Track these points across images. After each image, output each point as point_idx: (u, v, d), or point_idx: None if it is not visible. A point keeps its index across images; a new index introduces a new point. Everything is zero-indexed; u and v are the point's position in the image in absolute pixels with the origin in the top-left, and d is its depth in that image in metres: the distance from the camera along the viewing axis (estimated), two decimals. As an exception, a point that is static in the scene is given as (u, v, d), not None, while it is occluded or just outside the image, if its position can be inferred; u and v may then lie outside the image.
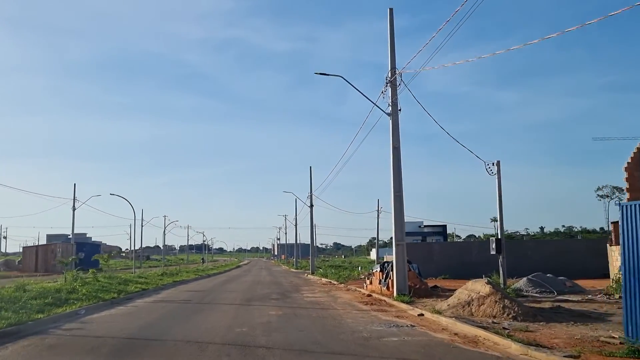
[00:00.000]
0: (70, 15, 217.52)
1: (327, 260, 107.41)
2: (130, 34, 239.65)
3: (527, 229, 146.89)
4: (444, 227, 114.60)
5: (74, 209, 54.93)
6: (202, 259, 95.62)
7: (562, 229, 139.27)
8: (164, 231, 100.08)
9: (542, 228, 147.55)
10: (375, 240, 78.23)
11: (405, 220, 19.97)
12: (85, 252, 58.76)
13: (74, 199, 55.02)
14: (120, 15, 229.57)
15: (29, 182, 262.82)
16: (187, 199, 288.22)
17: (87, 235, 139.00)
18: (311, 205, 50.85)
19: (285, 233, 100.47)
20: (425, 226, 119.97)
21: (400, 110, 19.81)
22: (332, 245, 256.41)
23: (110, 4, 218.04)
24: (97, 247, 65.32)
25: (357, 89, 19.30)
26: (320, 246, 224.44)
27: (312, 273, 48.31)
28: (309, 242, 61.54)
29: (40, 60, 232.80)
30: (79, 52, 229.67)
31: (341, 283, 30.60)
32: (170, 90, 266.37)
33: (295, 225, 70.17)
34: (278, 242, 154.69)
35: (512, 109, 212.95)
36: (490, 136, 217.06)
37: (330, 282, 33.07)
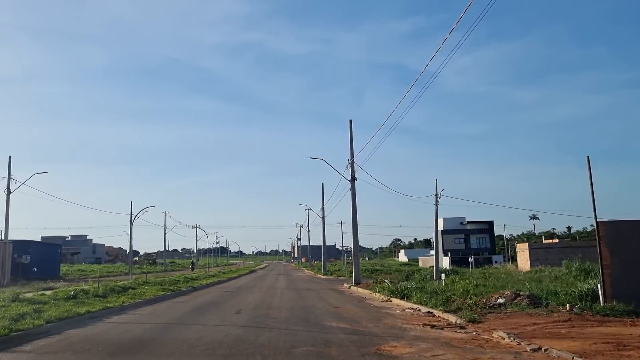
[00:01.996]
0: (91, 23, 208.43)
1: (339, 265, 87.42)
2: (150, 39, 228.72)
3: (553, 228, 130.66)
4: (490, 223, 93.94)
5: (8, 193, 36.58)
6: (192, 263, 73.37)
7: (589, 229, 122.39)
8: (164, 230, 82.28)
9: (569, 228, 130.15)
10: (432, 238, 58.95)
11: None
12: (33, 254, 40.49)
13: (9, 177, 36.62)
14: (139, 21, 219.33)
15: (49, 187, 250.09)
16: (206, 202, 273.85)
17: (89, 237, 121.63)
18: (353, 179, 31.58)
19: (308, 230, 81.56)
20: (468, 222, 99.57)
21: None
22: (351, 247, 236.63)
23: (130, 11, 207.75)
24: (53, 248, 46.61)
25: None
26: (339, 248, 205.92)
27: (357, 284, 29.06)
28: (332, 244, 43.81)
29: (62, 68, 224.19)
30: (100, 59, 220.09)
31: (470, 321, 11.43)
32: (189, 95, 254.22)
33: (323, 215, 51.22)
34: (299, 244, 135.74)
35: (531, 108, 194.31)
36: (508, 136, 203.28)
37: (431, 313, 13.78)
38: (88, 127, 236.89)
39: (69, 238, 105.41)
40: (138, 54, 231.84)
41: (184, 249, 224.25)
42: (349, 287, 28.47)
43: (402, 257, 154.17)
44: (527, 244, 68.21)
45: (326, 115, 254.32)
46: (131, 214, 49.41)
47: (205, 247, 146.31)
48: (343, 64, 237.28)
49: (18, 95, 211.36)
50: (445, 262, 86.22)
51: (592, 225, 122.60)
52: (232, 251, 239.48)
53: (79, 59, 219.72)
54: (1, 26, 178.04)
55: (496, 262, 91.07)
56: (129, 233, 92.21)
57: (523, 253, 67.75)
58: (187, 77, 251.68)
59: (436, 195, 46.11)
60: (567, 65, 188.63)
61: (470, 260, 42.16)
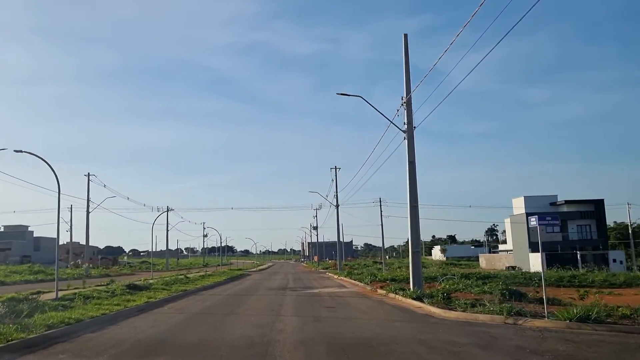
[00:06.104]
0: (102, 25, 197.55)
1: (379, 265, 54.44)
2: (160, 41, 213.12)
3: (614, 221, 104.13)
4: (599, 203, 59.84)
5: None
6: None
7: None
8: (87, 211, 48.39)
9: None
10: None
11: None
12: None
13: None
14: (149, 23, 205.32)
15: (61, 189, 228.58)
16: (214, 202, 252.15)
17: (30, 229, 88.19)
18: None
19: (337, 203, 48.14)
20: (564, 202, 64.09)
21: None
22: (362, 246, 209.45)
23: (140, 13, 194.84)
24: None
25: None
26: (356, 247, 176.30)
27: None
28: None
29: (73, 69, 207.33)
30: (110, 60, 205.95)
31: None
32: (197, 95, 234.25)
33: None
34: (311, 238, 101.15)
35: (540, 106, 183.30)
36: (516, 134, 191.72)
37: None
38: (98, 128, 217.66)
39: (2, 229, 73.22)
40: (148, 55, 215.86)
41: (188, 248, 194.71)
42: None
43: (438, 254, 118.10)
44: None
45: (334, 114, 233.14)
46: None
47: (212, 246, 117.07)
48: (351, 63, 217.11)
49: (29, 96, 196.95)
50: (536, 261, 51.84)
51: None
52: (238, 250, 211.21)
53: (90, 60, 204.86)
54: (14, 28, 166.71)
55: (614, 260, 56.12)
56: (68, 222, 58.32)
57: None
58: (196, 78, 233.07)
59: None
60: (576, 63, 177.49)
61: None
